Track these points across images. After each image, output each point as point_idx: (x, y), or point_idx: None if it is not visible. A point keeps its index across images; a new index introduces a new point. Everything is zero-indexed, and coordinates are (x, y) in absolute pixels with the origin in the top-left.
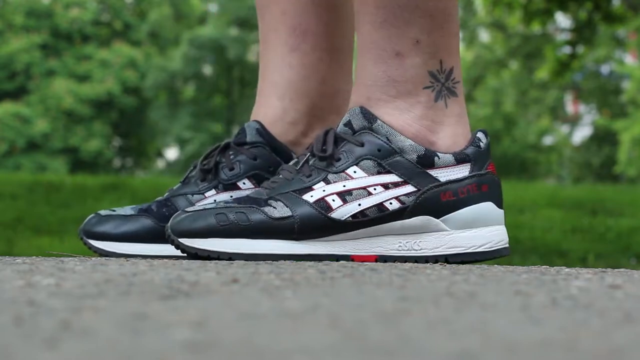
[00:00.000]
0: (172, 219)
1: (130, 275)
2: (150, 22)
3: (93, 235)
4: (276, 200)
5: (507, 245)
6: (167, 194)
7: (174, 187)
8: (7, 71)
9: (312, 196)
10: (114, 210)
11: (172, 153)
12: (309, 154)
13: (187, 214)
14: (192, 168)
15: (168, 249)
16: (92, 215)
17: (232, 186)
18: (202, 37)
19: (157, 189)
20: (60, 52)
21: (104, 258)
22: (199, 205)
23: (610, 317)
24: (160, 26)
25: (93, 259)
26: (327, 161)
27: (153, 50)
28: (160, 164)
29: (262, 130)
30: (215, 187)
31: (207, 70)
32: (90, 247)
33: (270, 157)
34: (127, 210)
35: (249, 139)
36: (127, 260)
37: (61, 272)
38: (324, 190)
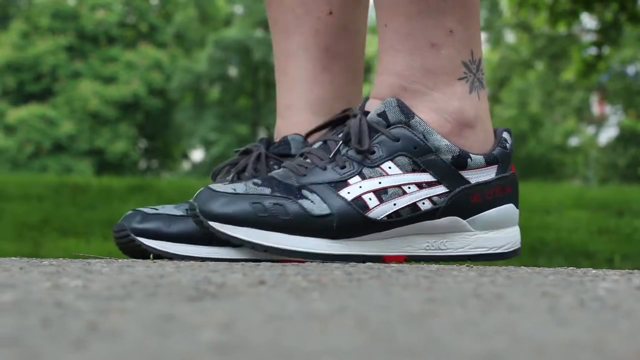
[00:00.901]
0: (198, 195)
1: (157, 277)
2: (175, 24)
3: (143, 233)
4: (311, 191)
5: (520, 245)
6: None
7: None
8: (33, 73)
9: (349, 192)
10: (156, 209)
11: (197, 155)
12: (340, 141)
13: (217, 194)
14: (234, 174)
15: (220, 252)
16: (131, 212)
17: None
18: (228, 38)
19: (183, 191)
20: (86, 54)
21: (130, 260)
22: (224, 185)
23: (637, 318)
24: (186, 28)
25: (119, 260)
26: (363, 154)
27: (178, 52)
28: (185, 165)
29: (305, 143)
30: None
31: (233, 72)
32: (140, 244)
33: None
34: (171, 209)
35: (294, 151)
36: (154, 262)
37: (88, 274)
38: (360, 187)
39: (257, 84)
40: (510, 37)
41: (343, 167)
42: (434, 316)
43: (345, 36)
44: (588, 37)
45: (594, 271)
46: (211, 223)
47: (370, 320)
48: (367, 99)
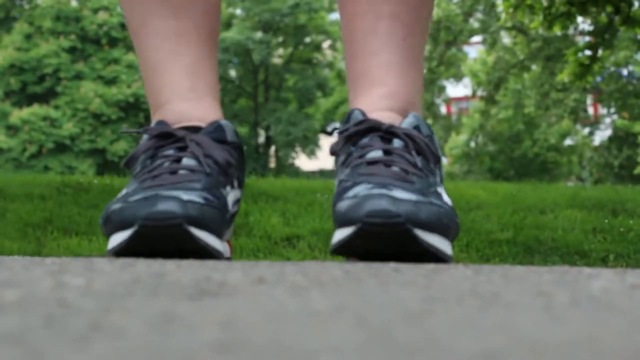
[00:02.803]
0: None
1: (158, 276)
2: None
3: (197, 222)
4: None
5: None
6: (200, 183)
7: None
8: (36, 74)
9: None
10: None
11: None
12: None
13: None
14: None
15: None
16: (163, 196)
17: (232, 185)
18: (228, 40)
19: None
20: (88, 56)
21: (131, 259)
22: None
23: (632, 316)
24: None
25: (121, 259)
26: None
27: None
28: None
29: (236, 132)
30: (231, 184)
31: (233, 73)
32: (192, 237)
33: (240, 159)
34: (190, 196)
35: (229, 138)
36: (155, 260)
37: (90, 273)
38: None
39: (256, 85)
40: (506, 39)
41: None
42: (432, 315)
43: (219, 21)
44: (583, 39)
45: (588, 270)
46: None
47: (368, 318)
48: (353, 111)
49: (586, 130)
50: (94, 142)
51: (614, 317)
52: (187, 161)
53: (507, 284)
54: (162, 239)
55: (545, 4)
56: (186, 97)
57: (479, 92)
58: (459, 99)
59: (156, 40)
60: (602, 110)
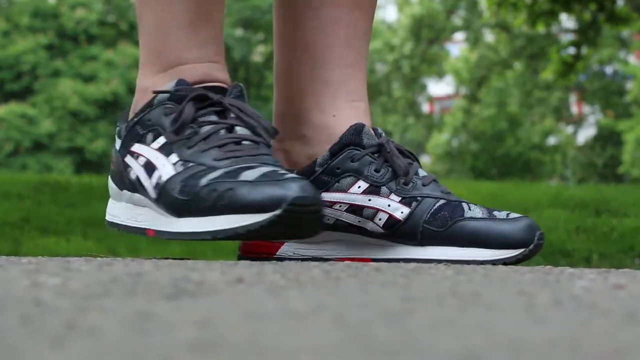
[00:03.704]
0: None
1: (135, 275)
2: None
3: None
4: None
5: None
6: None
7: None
8: (13, 72)
9: None
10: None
11: None
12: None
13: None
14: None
15: None
16: (298, 182)
17: None
18: None
19: None
20: (66, 53)
21: (109, 258)
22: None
23: (613, 317)
24: None
25: (98, 258)
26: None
27: None
28: None
29: None
30: None
31: None
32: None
33: None
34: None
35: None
36: (133, 260)
37: (67, 272)
38: None
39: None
40: (489, 36)
41: None
42: (412, 314)
43: None
44: (567, 37)
45: (570, 270)
46: None
47: (347, 318)
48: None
49: (570, 129)
50: (72, 140)
51: (596, 317)
52: (241, 130)
53: (488, 283)
54: (303, 224)
55: (528, 1)
56: (212, 59)
57: (462, 91)
58: (441, 98)
59: (191, 3)
60: (586, 109)
